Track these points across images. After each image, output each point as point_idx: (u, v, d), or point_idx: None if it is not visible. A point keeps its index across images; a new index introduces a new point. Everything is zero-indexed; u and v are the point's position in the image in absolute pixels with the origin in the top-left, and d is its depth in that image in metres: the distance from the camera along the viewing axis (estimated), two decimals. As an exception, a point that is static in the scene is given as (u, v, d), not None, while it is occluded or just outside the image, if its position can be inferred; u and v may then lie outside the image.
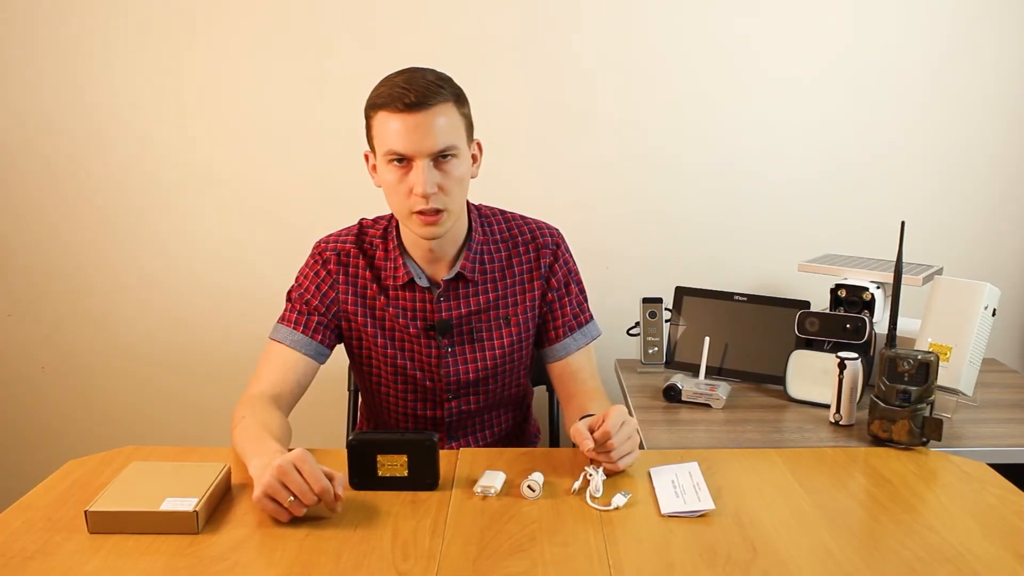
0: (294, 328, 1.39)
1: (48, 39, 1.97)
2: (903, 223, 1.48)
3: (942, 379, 1.48)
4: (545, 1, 1.95)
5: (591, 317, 1.50)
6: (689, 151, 2.04)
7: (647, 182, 2.06)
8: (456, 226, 1.36)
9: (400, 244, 1.40)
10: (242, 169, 2.05)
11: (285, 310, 1.42)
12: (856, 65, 1.99)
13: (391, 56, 1.93)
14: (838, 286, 1.69)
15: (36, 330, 2.14)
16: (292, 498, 1.04)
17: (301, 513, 1.06)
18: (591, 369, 1.48)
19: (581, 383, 1.44)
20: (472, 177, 1.34)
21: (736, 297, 1.79)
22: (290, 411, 1.36)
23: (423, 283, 1.39)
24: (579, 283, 1.49)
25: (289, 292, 1.44)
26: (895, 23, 1.97)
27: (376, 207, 1.51)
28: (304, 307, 1.40)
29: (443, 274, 1.39)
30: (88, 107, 2.01)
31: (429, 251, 1.37)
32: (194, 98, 2.01)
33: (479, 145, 1.37)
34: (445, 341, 1.41)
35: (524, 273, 1.44)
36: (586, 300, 1.50)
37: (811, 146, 2.04)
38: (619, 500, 1.12)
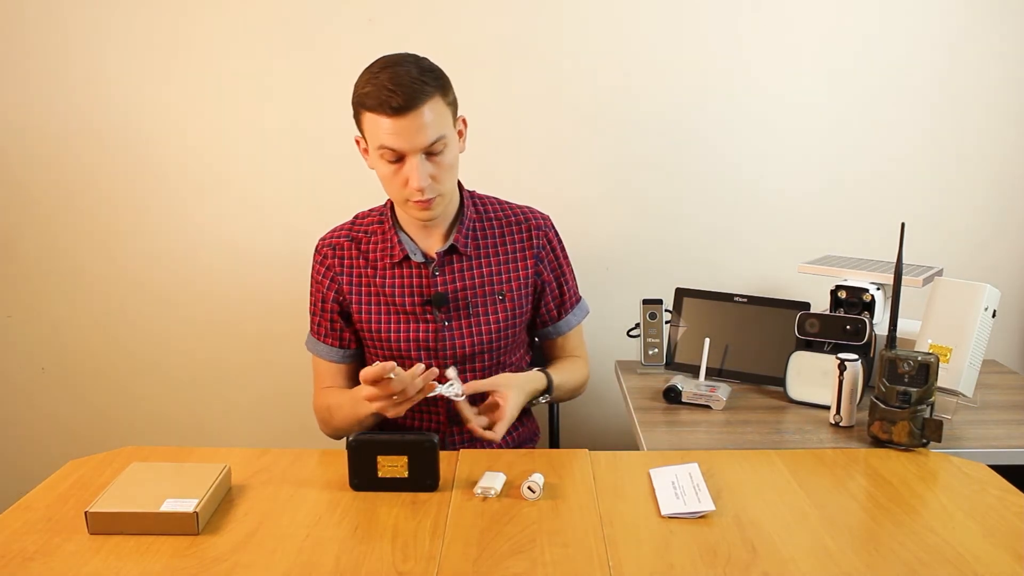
0: (322, 340, 1.50)
1: (48, 39, 1.97)
2: (903, 224, 1.47)
3: (942, 380, 1.47)
4: (546, 1, 1.96)
5: (580, 294, 1.63)
6: (689, 152, 2.04)
7: (647, 183, 2.05)
8: (450, 203, 1.42)
9: (395, 222, 1.46)
10: (243, 170, 2.04)
11: (311, 321, 1.51)
12: (856, 66, 1.99)
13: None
14: (838, 287, 1.69)
15: (36, 330, 2.14)
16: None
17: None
18: (580, 338, 1.63)
19: (571, 351, 1.61)
20: (460, 152, 1.38)
21: (736, 298, 1.79)
22: None
23: (418, 259, 1.43)
24: (569, 262, 1.58)
25: (309, 304, 1.52)
26: (896, 24, 1.97)
27: (375, 204, 1.53)
28: (323, 313, 1.48)
29: (437, 247, 1.44)
30: (88, 108, 2.01)
31: (424, 225, 1.43)
32: (194, 99, 2.00)
33: (464, 121, 1.40)
34: (442, 315, 1.44)
35: (517, 251, 1.50)
36: (575, 278, 1.61)
37: (811, 147, 2.04)
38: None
